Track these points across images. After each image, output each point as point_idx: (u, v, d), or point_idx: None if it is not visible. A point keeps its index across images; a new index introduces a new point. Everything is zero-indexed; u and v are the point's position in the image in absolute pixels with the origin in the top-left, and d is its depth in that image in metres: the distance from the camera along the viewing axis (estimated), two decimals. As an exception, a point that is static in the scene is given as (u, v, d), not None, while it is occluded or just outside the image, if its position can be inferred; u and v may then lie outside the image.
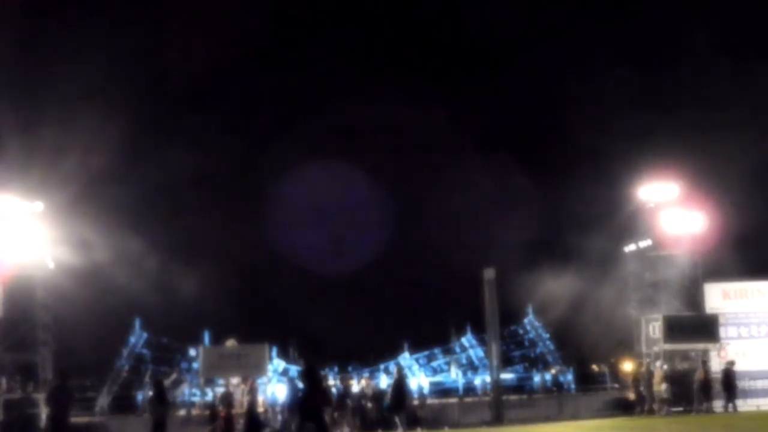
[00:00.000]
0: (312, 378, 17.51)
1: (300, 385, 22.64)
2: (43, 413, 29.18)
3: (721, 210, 33.19)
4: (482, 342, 37.17)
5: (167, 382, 25.72)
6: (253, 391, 27.39)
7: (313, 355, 20.34)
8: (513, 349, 39.04)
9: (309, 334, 41.28)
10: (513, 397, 34.17)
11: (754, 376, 30.87)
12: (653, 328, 32.60)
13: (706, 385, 29.52)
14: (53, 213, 30.13)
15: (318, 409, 17.51)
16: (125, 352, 35.75)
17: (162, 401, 23.12)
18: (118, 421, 30.46)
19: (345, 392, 27.89)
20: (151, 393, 24.37)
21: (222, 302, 41.52)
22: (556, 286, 35.35)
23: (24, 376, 29.38)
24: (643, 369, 31.33)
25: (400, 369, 27.81)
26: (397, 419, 25.49)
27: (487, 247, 41.74)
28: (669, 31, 49.32)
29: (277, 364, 36.38)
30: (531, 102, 53.21)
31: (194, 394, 33.26)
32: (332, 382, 30.02)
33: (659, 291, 34.01)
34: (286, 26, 56.06)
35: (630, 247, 35.09)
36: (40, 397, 29.24)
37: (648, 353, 32.55)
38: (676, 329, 31.33)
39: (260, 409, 27.71)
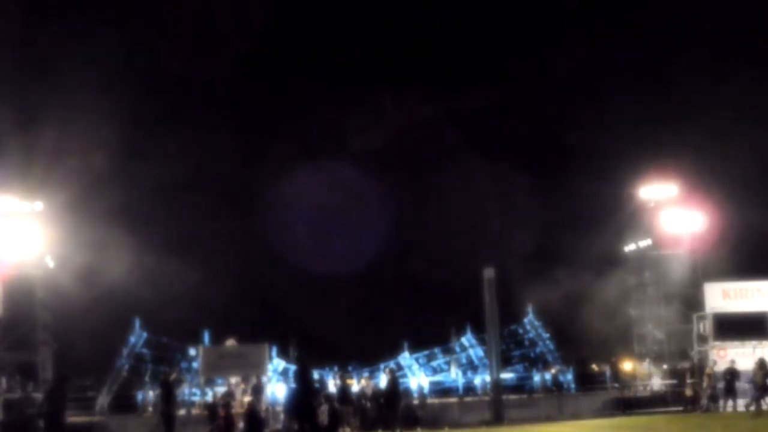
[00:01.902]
0: (305, 379, 17.43)
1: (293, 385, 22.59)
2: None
3: (721, 210, 33.20)
4: (482, 341, 37.13)
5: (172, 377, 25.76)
6: (259, 389, 27.34)
7: (307, 356, 20.32)
8: (513, 349, 38.99)
9: (308, 334, 41.29)
10: (513, 397, 34.16)
11: (754, 375, 30.77)
12: (703, 326, 32.42)
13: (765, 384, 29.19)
14: (53, 213, 30.15)
15: (312, 410, 17.48)
16: (125, 351, 35.73)
17: (169, 399, 23.36)
18: (118, 420, 30.44)
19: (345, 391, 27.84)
20: (159, 391, 24.51)
21: (222, 302, 41.55)
22: (556, 286, 35.39)
23: (24, 376, 29.40)
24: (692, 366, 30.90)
25: (392, 371, 27.85)
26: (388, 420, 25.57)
27: (487, 247, 41.76)
28: (670, 32, 49.36)
29: (277, 363, 36.36)
30: (531, 102, 53.28)
31: (194, 393, 33.25)
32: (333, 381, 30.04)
33: (659, 291, 34.05)
34: (286, 27, 56.07)
35: (630, 247, 35.11)
36: (40, 396, 29.28)
37: (700, 350, 32.35)
38: (725, 327, 31.19)
39: (261, 408, 27.66)
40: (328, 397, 24.84)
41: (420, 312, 46.53)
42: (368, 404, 28.93)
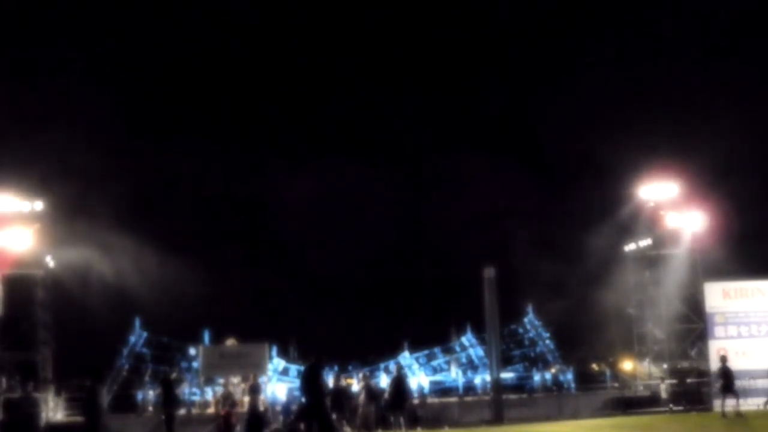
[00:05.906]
0: (315, 378, 17.41)
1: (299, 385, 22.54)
2: (43, 412, 29.24)
3: (721, 209, 33.18)
4: (482, 341, 37.15)
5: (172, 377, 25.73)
6: (255, 389, 27.34)
7: (316, 355, 20.12)
8: (513, 348, 39.01)
9: (308, 334, 41.30)
10: (513, 397, 34.15)
11: (754, 375, 30.76)
12: None
13: None
14: (53, 213, 30.14)
15: (320, 409, 17.45)
16: (125, 351, 35.74)
17: (170, 399, 23.38)
18: (118, 420, 30.39)
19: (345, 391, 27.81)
20: (159, 391, 24.44)
21: (222, 302, 41.56)
22: (556, 285, 35.38)
23: (24, 375, 29.39)
24: None
25: (400, 368, 27.73)
26: (393, 419, 25.43)
27: (487, 247, 41.78)
28: (671, 31, 49.40)
29: (277, 363, 36.38)
30: (532, 102, 53.34)
31: (194, 393, 33.26)
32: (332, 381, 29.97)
33: (659, 291, 34.04)
34: (287, 26, 56.09)
35: (630, 247, 35.10)
36: (40, 396, 29.27)
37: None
38: None
39: (260, 408, 27.66)
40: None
41: (420, 312, 46.56)
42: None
